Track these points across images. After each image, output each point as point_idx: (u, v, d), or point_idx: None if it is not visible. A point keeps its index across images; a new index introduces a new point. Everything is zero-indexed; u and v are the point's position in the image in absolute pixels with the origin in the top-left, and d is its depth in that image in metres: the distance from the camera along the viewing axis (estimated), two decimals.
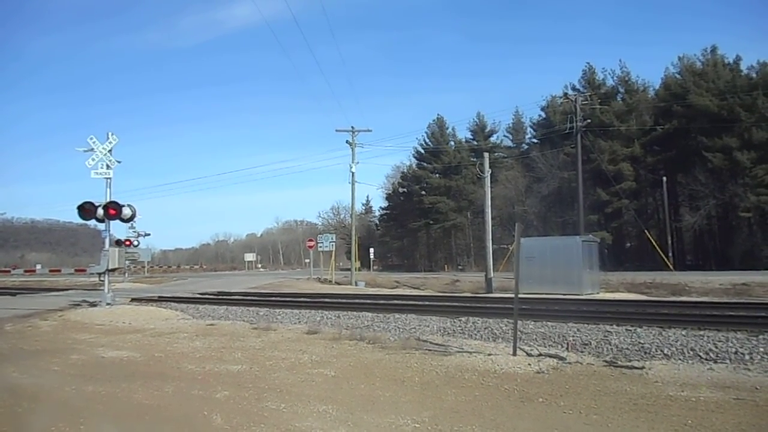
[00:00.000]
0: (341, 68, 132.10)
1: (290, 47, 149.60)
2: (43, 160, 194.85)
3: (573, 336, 9.40)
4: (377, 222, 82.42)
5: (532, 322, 10.81)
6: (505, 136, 66.32)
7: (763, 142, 38.68)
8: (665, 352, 8.05)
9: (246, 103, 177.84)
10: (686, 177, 43.05)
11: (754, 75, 42.12)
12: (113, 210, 15.39)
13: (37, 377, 7.26)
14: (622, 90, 49.97)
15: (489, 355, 7.84)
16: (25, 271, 66.64)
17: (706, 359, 7.58)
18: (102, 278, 16.28)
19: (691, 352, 7.90)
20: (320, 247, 36.73)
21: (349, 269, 41.64)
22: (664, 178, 42.16)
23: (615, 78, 50.41)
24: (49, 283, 39.81)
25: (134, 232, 36.54)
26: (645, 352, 8.13)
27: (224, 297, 21.12)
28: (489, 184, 26.79)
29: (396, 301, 17.70)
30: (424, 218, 63.81)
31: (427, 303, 16.99)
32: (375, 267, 67.03)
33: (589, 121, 35.89)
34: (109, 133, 15.82)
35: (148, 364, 8.07)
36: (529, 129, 62.95)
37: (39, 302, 19.99)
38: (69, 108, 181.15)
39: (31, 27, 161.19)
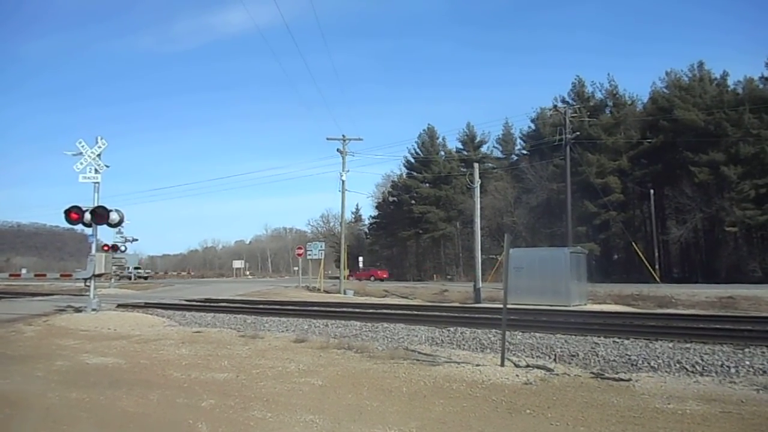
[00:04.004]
0: (333, 76, 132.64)
1: (283, 54, 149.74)
2: (31, 164, 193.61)
3: (561, 347, 9.42)
4: (367, 231, 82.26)
5: (520, 333, 10.83)
6: (494, 146, 66.78)
7: (749, 158, 39.18)
8: (652, 364, 8.08)
9: (237, 109, 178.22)
10: (673, 190, 43.46)
11: (740, 91, 42.73)
12: (101, 215, 15.29)
13: (20, 383, 7.16)
14: (610, 103, 50.53)
15: (477, 365, 7.83)
16: (10, 275, 66.07)
17: (692, 372, 7.62)
18: (88, 283, 16.13)
19: (678, 365, 7.94)
20: (309, 255, 36.59)
21: (337, 277, 41.55)
22: (652, 191, 42.58)
23: (603, 91, 51.08)
24: (34, 288, 39.38)
25: (122, 237, 36.21)
26: (632, 364, 8.16)
27: (211, 304, 20.97)
28: (478, 195, 26.87)
29: (384, 311, 17.66)
30: (414, 227, 63.88)
31: (415, 312, 16.97)
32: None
33: (578, 133, 36.20)
34: (98, 138, 15.76)
35: (133, 371, 7.98)
36: (518, 140, 63.45)
37: (23, 307, 19.75)
38: (59, 112, 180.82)
39: (24, 32, 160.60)
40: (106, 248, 27.34)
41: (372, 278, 55.87)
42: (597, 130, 45.56)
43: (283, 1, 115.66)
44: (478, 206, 26.63)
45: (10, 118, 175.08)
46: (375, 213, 76.86)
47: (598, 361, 8.49)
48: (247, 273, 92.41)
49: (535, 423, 5.21)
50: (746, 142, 39.16)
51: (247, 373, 7.63)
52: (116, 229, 28.11)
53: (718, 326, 12.17)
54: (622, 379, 6.96)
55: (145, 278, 56.35)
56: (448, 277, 58.48)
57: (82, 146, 15.47)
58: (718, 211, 40.45)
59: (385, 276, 57.70)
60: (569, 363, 8.40)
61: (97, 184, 15.57)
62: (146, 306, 19.00)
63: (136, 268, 55.55)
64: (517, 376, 7.12)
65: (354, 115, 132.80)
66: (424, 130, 67.15)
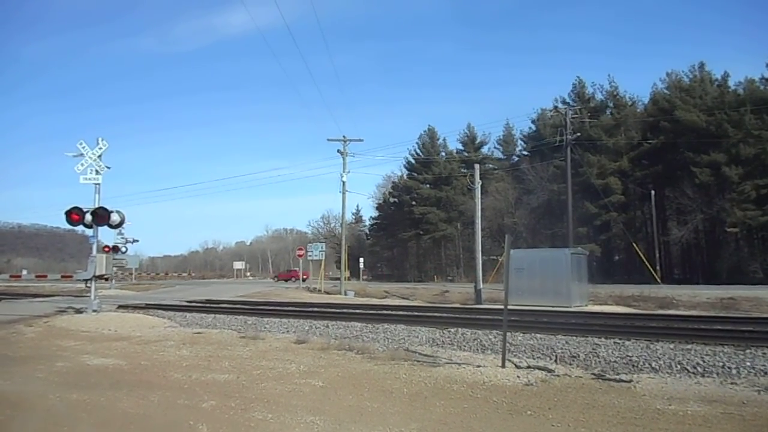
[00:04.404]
0: (334, 77, 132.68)
1: (284, 56, 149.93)
2: (32, 165, 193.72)
3: (561, 348, 9.41)
4: (367, 232, 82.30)
5: (521, 334, 10.81)
6: (495, 147, 66.74)
7: (751, 158, 39.14)
8: (653, 365, 8.07)
9: (238, 110, 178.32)
10: (674, 191, 43.43)
11: (741, 92, 42.69)
12: (101, 216, 15.29)
13: (20, 384, 7.15)
14: (611, 104, 50.51)
15: (478, 366, 7.82)
16: (11, 276, 66.06)
17: (693, 373, 7.61)
18: (88, 285, 16.13)
19: (679, 366, 7.93)
20: (310, 256, 36.62)
21: (338, 278, 41.54)
22: (652, 192, 42.52)
23: (604, 92, 51.11)
24: (35, 289, 39.39)
25: (122, 238, 36.23)
26: (633, 366, 8.16)
27: (212, 305, 20.98)
28: (479, 196, 26.85)
29: (385, 312, 17.65)
30: (414, 228, 63.87)
31: (416, 313, 16.96)
32: (364, 277, 66.83)
33: (578, 134, 36.17)
34: (99, 139, 15.77)
35: (133, 373, 7.98)
36: (519, 141, 63.42)
37: (24, 308, 19.75)
38: (60, 114, 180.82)
39: (26, 33, 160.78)
40: (106, 249, 27.37)
41: (293, 279, 59.02)
42: (598, 131, 45.56)
43: (284, 3, 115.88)
44: (478, 207, 26.61)
45: (12, 119, 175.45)
46: (375, 214, 76.99)
47: (599, 362, 8.49)
48: (248, 274, 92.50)
49: (536, 424, 5.20)
50: (747, 143, 39.12)
51: (248, 375, 7.63)
52: (117, 230, 28.12)
53: (719, 327, 12.15)
54: (623, 381, 6.95)
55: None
56: (449, 278, 58.46)
57: (83, 147, 15.47)
58: (719, 211, 40.41)
59: (306, 277, 60.06)
60: (570, 364, 8.39)
61: (97, 185, 15.57)
62: (147, 307, 18.99)
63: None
64: (518, 377, 7.12)
65: (355, 116, 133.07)
66: (424, 131, 67.35)
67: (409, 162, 67.01)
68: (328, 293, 33.10)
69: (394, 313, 17.10)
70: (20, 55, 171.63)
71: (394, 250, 71.78)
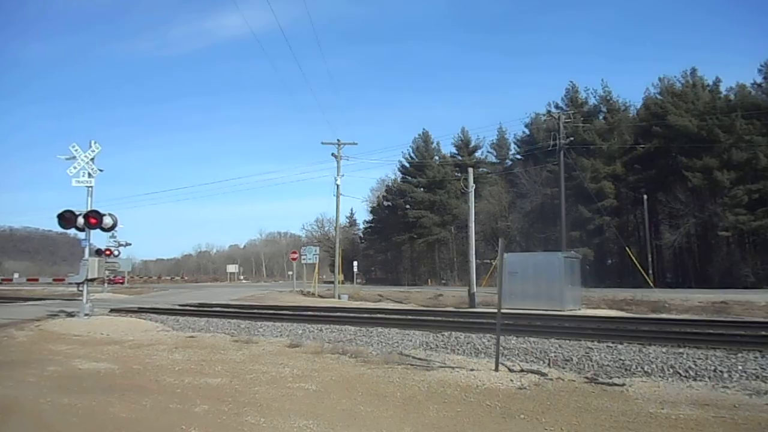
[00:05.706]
0: (328, 81, 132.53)
1: (278, 59, 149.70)
2: (25, 168, 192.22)
3: (555, 352, 9.43)
4: (361, 235, 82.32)
5: (515, 338, 10.81)
6: (489, 151, 66.94)
7: (742, 163, 39.43)
8: (646, 369, 8.09)
9: (232, 113, 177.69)
10: (666, 195, 43.65)
11: (732, 97, 43.05)
12: (94, 219, 15.20)
13: (11, 389, 7.10)
14: (604, 109, 50.82)
15: (471, 370, 7.83)
16: (2, 280, 65.54)
17: (685, 377, 7.63)
18: (81, 288, 16.03)
19: (671, 370, 7.95)
20: (304, 259, 36.56)
21: (332, 282, 41.49)
22: (645, 197, 42.72)
23: (597, 97, 51.45)
24: (27, 293, 39.11)
25: (115, 241, 36.06)
26: (626, 369, 8.17)
27: (205, 309, 20.88)
28: (473, 199, 26.89)
29: (379, 315, 17.63)
30: (408, 232, 63.88)
31: (410, 317, 16.93)
32: (358, 280, 66.74)
33: (572, 138, 36.34)
34: (92, 142, 15.68)
35: (125, 377, 7.94)
36: (512, 145, 63.64)
37: (15, 312, 19.61)
38: (53, 117, 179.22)
39: (25, 35, 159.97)
40: (99, 253, 27.22)
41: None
42: (591, 135, 45.79)
43: (278, 6, 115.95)
44: (472, 211, 26.65)
45: (7, 124, 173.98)
46: (370, 217, 77.02)
47: (592, 365, 8.50)
48: (242, 277, 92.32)
49: (529, 428, 5.21)
50: (739, 147, 39.40)
51: (241, 378, 7.61)
52: (110, 234, 28.03)
53: (711, 331, 12.19)
54: (615, 384, 6.97)
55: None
56: (443, 281, 58.48)
57: (76, 150, 15.39)
58: (711, 216, 40.67)
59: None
60: (563, 368, 8.41)
61: (90, 188, 15.49)
62: (139, 311, 18.89)
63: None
64: (511, 380, 7.13)
65: (349, 120, 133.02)
66: (418, 134, 67.50)
67: (403, 165, 67.18)
68: (322, 297, 33.04)
69: (387, 316, 17.08)
70: (18, 60, 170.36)
71: (388, 253, 71.75)
